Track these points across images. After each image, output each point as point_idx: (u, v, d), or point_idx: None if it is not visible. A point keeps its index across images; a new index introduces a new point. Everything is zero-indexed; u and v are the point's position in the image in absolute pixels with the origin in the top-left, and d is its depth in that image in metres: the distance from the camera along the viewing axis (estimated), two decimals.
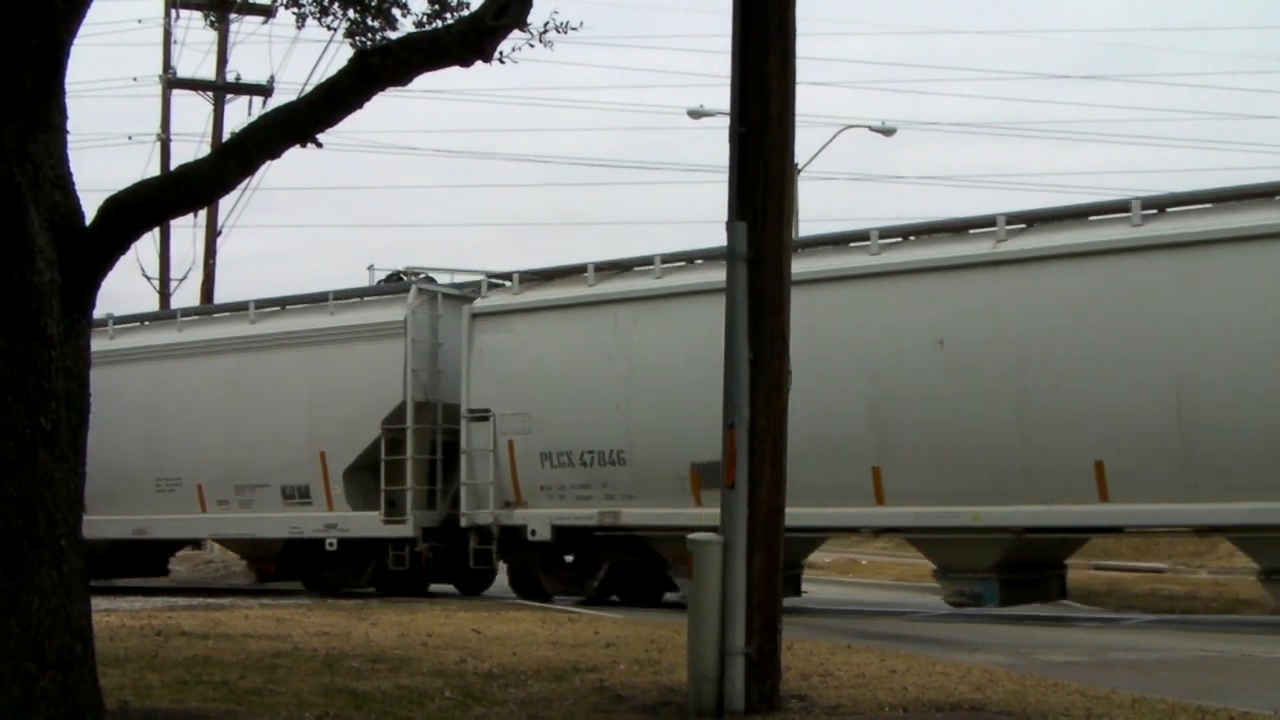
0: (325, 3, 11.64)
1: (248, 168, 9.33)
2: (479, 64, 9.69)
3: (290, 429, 24.87)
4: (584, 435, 21.69)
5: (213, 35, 37.96)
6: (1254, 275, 17.11)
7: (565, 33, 11.20)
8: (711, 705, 10.08)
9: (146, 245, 39.23)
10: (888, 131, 40.71)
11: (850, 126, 40.75)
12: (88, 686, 8.38)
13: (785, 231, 10.63)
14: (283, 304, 26.13)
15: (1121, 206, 18.41)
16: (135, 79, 53.79)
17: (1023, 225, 19.10)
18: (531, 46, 10.95)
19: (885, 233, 19.95)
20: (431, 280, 25.54)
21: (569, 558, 22.81)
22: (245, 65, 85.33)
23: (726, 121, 10.71)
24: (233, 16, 35.90)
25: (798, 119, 10.73)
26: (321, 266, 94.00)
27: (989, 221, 19.13)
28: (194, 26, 44.71)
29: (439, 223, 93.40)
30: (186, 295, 40.14)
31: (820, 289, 19.36)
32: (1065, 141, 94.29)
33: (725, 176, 10.60)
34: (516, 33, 10.18)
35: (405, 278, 26.00)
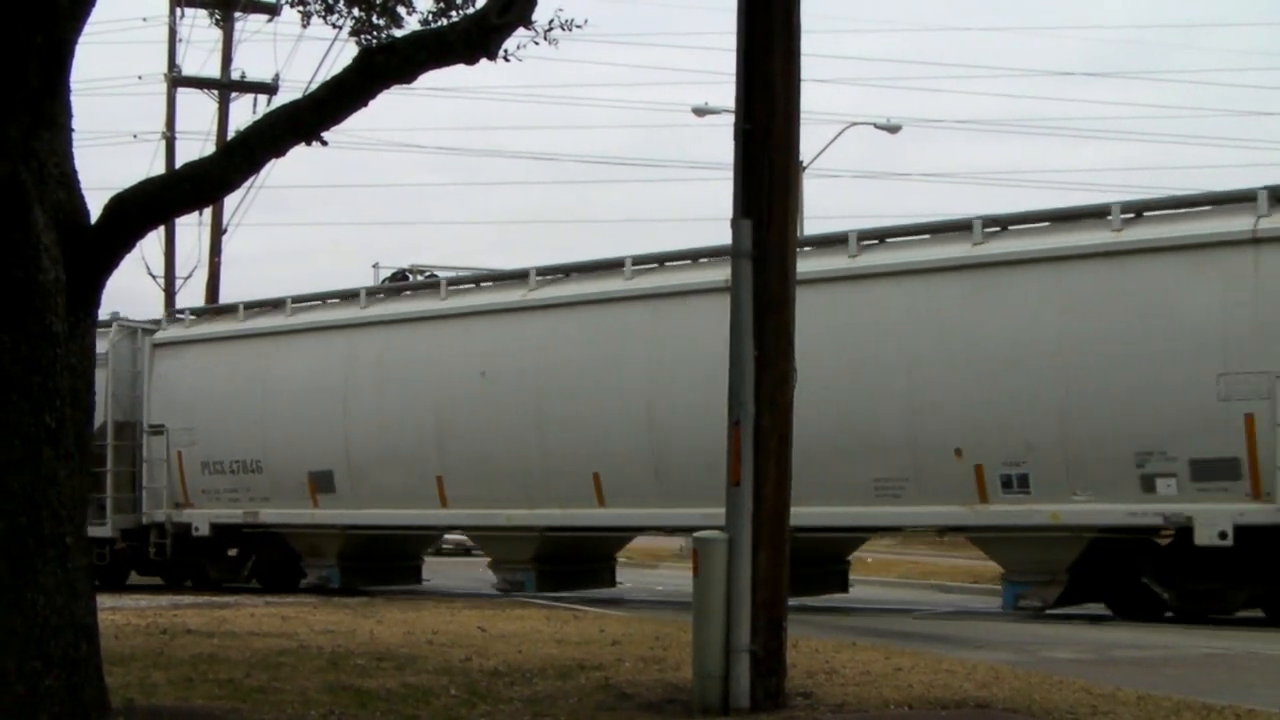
0: (330, 1, 11.64)
1: (253, 165, 9.34)
2: (485, 62, 9.70)
3: None
4: (233, 447, 25.86)
5: (218, 33, 37.93)
6: (703, 321, 19.82)
7: (570, 30, 11.22)
8: (717, 702, 10.08)
9: (151, 243, 39.20)
10: (892, 129, 40.65)
11: (855, 124, 40.72)
12: (93, 684, 8.39)
13: (790, 229, 10.63)
14: None
15: (617, 264, 22.54)
16: (140, 77, 53.92)
17: (561, 275, 23.41)
18: (536, 44, 10.96)
19: (453, 281, 24.77)
20: (434, 275, 25.65)
21: (231, 551, 26.94)
22: (250, 63, 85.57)
23: (732, 119, 10.70)
24: (238, 15, 35.81)
25: (804, 117, 10.73)
26: (328, 265, 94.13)
27: (523, 274, 23.65)
28: (199, 25, 44.79)
29: (447, 220, 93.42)
30: (191, 294, 40.17)
31: (400, 328, 24.33)
32: (1074, 139, 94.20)
33: (731, 174, 10.60)
34: (521, 30, 10.19)
35: (410, 275, 26.05)
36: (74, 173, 8.79)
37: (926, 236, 20.15)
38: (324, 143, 9.42)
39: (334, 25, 11.84)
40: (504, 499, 22.77)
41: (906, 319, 19.46)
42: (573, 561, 23.69)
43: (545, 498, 22.39)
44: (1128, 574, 18.92)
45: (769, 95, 10.43)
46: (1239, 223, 17.61)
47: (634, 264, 22.26)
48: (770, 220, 10.43)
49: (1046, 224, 19.34)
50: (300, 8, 11.86)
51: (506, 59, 10.40)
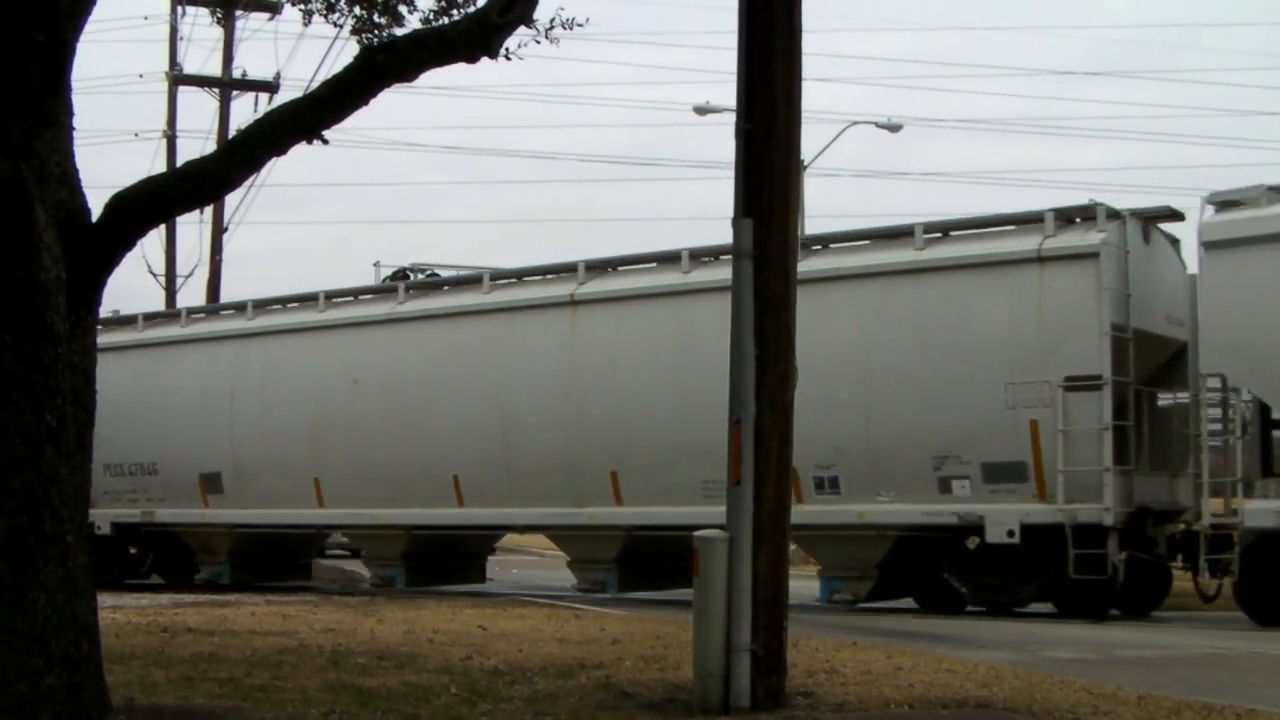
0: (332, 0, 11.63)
1: (254, 164, 9.33)
2: (489, 61, 9.70)
3: None
4: (132, 450, 26.99)
5: (219, 32, 37.93)
6: (552, 333, 22.77)
7: (571, 29, 11.20)
8: (717, 702, 10.07)
9: (152, 242, 39.23)
10: (893, 128, 40.65)
11: (856, 123, 40.72)
12: (94, 683, 8.39)
13: (791, 228, 10.64)
14: None
15: (476, 279, 24.77)
16: (141, 75, 53.91)
17: (429, 289, 25.27)
18: (538, 43, 10.95)
19: (331, 295, 26.17)
20: (434, 274, 25.71)
21: (132, 549, 28.33)
22: (251, 62, 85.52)
23: (733, 118, 10.70)
24: (239, 13, 35.78)
25: (805, 115, 10.73)
26: (332, 263, 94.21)
27: (393, 289, 25.52)
28: (200, 23, 44.77)
29: (450, 219, 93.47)
30: (193, 292, 40.20)
31: (282, 339, 25.93)
32: (1078, 139, 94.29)
33: (732, 173, 10.59)
34: (523, 29, 10.18)
35: (411, 274, 26.04)
36: (75, 171, 8.78)
37: None
38: (325, 141, 9.41)
39: (335, 24, 11.83)
40: (375, 499, 24.36)
41: (727, 331, 19.86)
42: (443, 558, 25.38)
43: (411, 498, 24.05)
44: (931, 570, 20.24)
45: (770, 94, 10.43)
46: (1027, 243, 19.08)
47: (491, 279, 24.39)
48: (771, 219, 10.43)
49: (866, 242, 20.88)
50: (301, 6, 11.85)
51: (508, 58, 10.40)
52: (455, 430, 23.49)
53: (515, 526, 24.82)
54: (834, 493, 20.23)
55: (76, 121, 8.82)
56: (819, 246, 21.10)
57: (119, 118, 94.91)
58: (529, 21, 10.23)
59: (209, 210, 37.40)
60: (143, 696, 10.32)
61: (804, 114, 10.70)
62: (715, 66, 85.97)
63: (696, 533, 10.56)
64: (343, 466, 24.78)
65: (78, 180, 8.78)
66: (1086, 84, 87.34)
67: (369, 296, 25.84)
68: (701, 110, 39.28)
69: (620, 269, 23.16)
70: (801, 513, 18.89)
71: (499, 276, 24.40)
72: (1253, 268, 18.08)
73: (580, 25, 11.28)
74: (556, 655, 13.28)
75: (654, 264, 22.74)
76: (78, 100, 8.82)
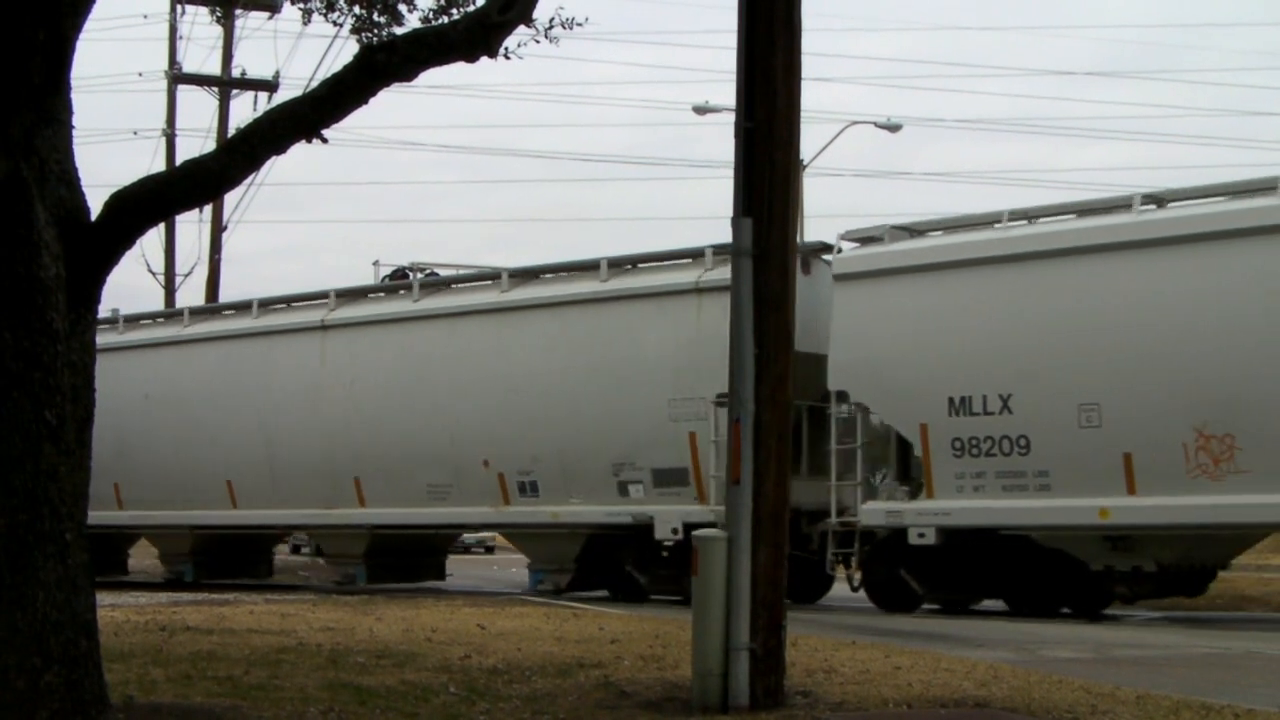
0: None
1: (253, 163, 9.34)
2: (489, 60, 9.70)
3: None
4: None
5: (218, 31, 37.95)
6: (306, 356, 25.58)
7: (570, 28, 11.22)
8: (716, 701, 10.07)
9: (152, 240, 39.27)
10: (893, 128, 40.65)
11: (856, 123, 40.74)
12: (93, 681, 8.39)
13: (790, 227, 10.62)
14: None
15: (247, 305, 27.45)
16: (141, 74, 53.64)
17: (210, 313, 28.65)
18: (537, 42, 10.96)
19: (129, 318, 28.84)
20: (434, 273, 25.71)
21: None
22: (251, 61, 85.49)
23: (733, 117, 10.69)
24: (238, 12, 35.80)
25: (805, 115, 10.72)
26: (335, 262, 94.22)
27: (179, 313, 29.06)
28: (200, 22, 44.79)
29: (453, 218, 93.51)
30: (192, 291, 40.22)
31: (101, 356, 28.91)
32: (1081, 139, 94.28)
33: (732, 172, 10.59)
34: (522, 28, 10.19)
35: (410, 273, 26.04)
36: (75, 170, 8.79)
37: (469, 284, 25.03)
38: (324, 140, 9.42)
39: (335, 23, 11.85)
40: (165, 502, 27.12)
41: (451, 352, 23.83)
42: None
43: (195, 501, 26.68)
44: (617, 563, 22.64)
45: (770, 93, 10.42)
46: (688, 275, 21.74)
47: (260, 305, 27.23)
48: (771, 218, 10.42)
49: (565, 274, 23.76)
50: (301, 5, 11.86)
51: (507, 57, 10.41)
52: (228, 440, 26.29)
53: (279, 526, 27.81)
54: (534, 496, 22.91)
55: (76, 120, 8.84)
56: (520, 279, 23.93)
57: (118, 116, 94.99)
58: (528, 20, 10.24)
59: (208, 209, 37.45)
60: (141, 694, 10.31)
61: (804, 114, 10.70)
62: (716, 66, 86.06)
63: (696, 532, 10.55)
64: (142, 471, 27.11)
65: (77, 178, 8.80)
66: (1087, 84, 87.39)
67: (160, 320, 29.31)
68: (701, 110, 39.27)
69: (370, 296, 26.14)
70: (506, 513, 23.38)
71: (267, 303, 27.36)
72: (872, 297, 20.37)
73: (580, 24, 11.30)
74: (555, 654, 13.28)
75: (388, 293, 25.90)
76: (77, 99, 8.83)
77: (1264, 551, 28.14)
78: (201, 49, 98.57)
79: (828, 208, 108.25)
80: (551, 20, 11.01)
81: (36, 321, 8.22)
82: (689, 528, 19.88)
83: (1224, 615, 19.46)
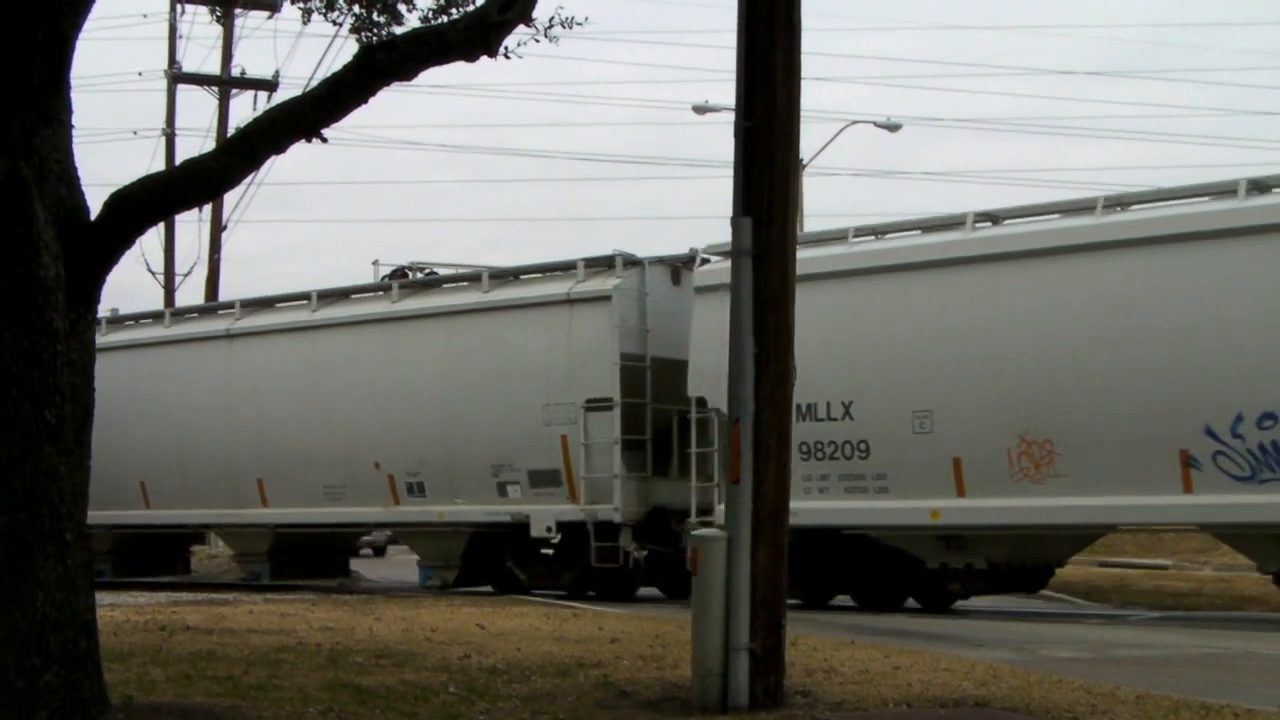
0: None
1: (253, 162, 9.34)
2: (493, 60, 9.71)
3: None
4: None
5: (218, 30, 37.95)
6: (214, 363, 26.78)
7: (570, 28, 11.22)
8: (716, 701, 10.06)
9: (151, 240, 39.27)
10: (892, 127, 40.63)
11: (855, 122, 40.72)
12: (92, 681, 8.39)
13: (790, 227, 10.62)
14: None
15: (159, 314, 28.92)
16: (140, 74, 53.73)
17: (130, 322, 29.19)
18: (537, 41, 10.97)
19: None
20: (433, 273, 25.75)
21: None
22: (250, 60, 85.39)
23: (733, 117, 10.69)
24: (238, 11, 35.82)
25: (806, 115, 10.72)
26: (333, 261, 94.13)
27: (158, 315, 29.25)
28: (199, 21, 44.77)
29: (453, 217, 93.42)
30: (191, 290, 40.22)
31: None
32: (1082, 138, 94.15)
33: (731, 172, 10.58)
34: (522, 27, 10.19)
35: (410, 273, 26.05)
36: (74, 169, 8.79)
37: (364, 295, 26.07)
38: (324, 139, 9.41)
39: (334, 22, 11.85)
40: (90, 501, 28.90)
41: (343, 360, 25.00)
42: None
43: (111, 502, 26.14)
44: (499, 560, 23.81)
45: (770, 93, 10.42)
46: (561, 287, 22.82)
47: (172, 314, 29.09)
48: (771, 218, 10.42)
49: (451, 285, 24.95)
50: (301, 5, 11.85)
51: (507, 56, 10.41)
52: (144, 444, 27.04)
53: (190, 525, 28.41)
54: (421, 496, 24.10)
55: (76, 119, 8.84)
56: (409, 290, 25.14)
57: (118, 116, 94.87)
58: (528, 20, 10.24)
59: (208, 208, 37.46)
60: (141, 694, 10.31)
61: (805, 113, 10.69)
62: (717, 66, 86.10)
63: (694, 531, 10.55)
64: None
65: (77, 178, 8.79)
66: (1088, 84, 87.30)
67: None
68: (700, 109, 39.24)
69: (277, 306, 27.24)
70: (396, 513, 24.70)
71: (180, 313, 29.09)
72: (726, 308, 19.90)
73: (579, 24, 11.31)
74: (555, 654, 13.28)
75: (290, 303, 26.93)
76: (77, 98, 8.83)
77: None
78: (201, 48, 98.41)
79: (827, 207, 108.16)
80: (551, 20, 11.02)
81: (36, 321, 8.22)
82: (562, 526, 22.27)
83: (1223, 615, 19.47)
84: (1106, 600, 23.79)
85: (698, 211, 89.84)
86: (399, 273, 26.35)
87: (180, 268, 39.71)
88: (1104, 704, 10.20)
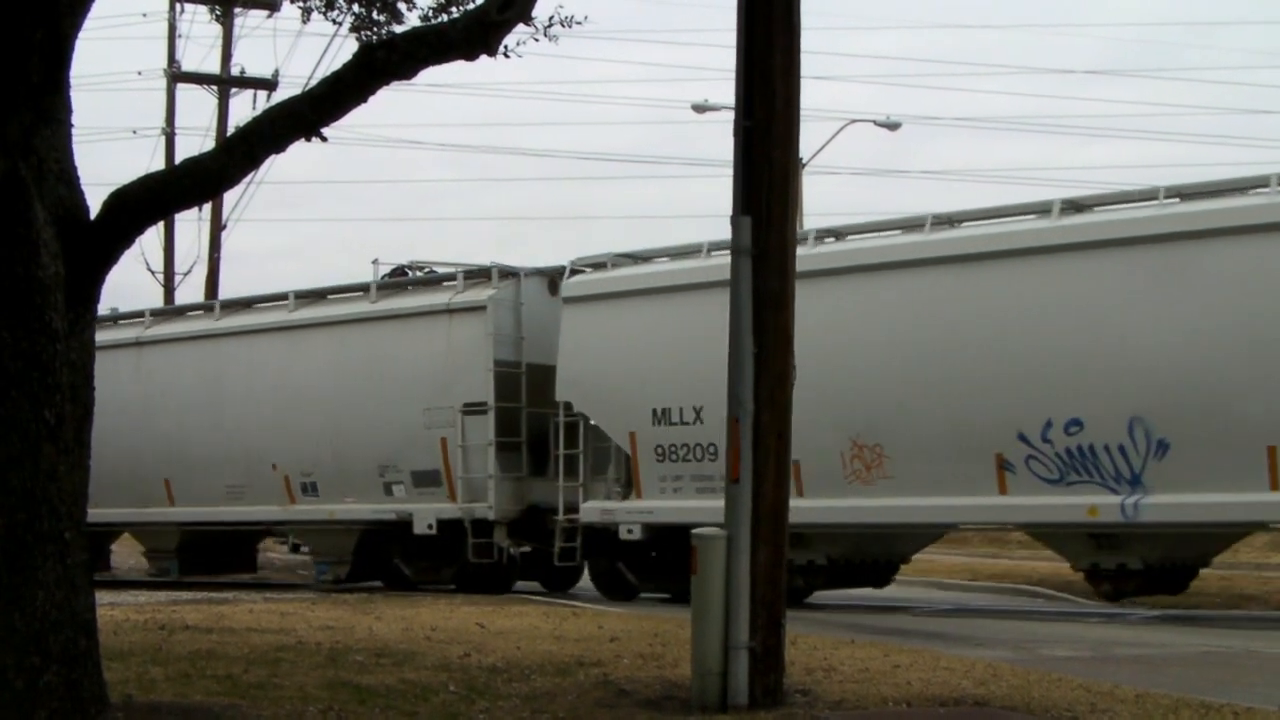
0: None
1: (252, 161, 9.33)
2: (496, 59, 9.71)
3: None
4: None
5: (217, 29, 37.89)
6: (126, 369, 27.17)
7: (570, 27, 11.22)
8: (715, 700, 10.07)
9: (151, 239, 39.20)
10: (892, 126, 40.60)
11: (855, 121, 40.70)
12: (92, 680, 8.40)
13: (789, 226, 10.62)
14: None
15: (137, 315, 28.65)
16: (140, 73, 53.87)
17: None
18: (536, 41, 10.96)
19: None
20: (433, 271, 25.77)
21: None
22: (250, 59, 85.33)
23: (733, 115, 10.68)
24: (237, 10, 35.79)
25: (806, 114, 10.71)
26: (336, 260, 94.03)
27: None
28: (199, 20, 44.76)
29: (454, 217, 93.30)
30: (191, 289, 40.20)
31: None
32: (1082, 137, 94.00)
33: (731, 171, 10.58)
34: (521, 27, 10.18)
35: (410, 272, 26.06)
36: (74, 168, 8.79)
37: (263, 305, 27.15)
38: (324, 139, 9.42)
39: (334, 21, 11.84)
40: None
41: (245, 366, 26.13)
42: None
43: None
44: (387, 556, 24.92)
45: (769, 91, 10.41)
46: (442, 298, 24.02)
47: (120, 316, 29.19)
48: (770, 217, 10.42)
49: (344, 295, 25.95)
50: (300, 4, 11.85)
51: (507, 55, 10.40)
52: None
53: (101, 524, 29.15)
54: (315, 496, 25.21)
55: (75, 119, 8.83)
56: (307, 299, 26.19)
57: (117, 115, 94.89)
58: (528, 19, 10.24)
59: (207, 207, 37.44)
60: (141, 694, 10.31)
61: (805, 112, 10.69)
62: (719, 65, 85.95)
63: (695, 530, 10.55)
64: None
65: (76, 177, 8.79)
66: (1089, 83, 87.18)
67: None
68: (700, 108, 39.19)
69: (186, 315, 28.52)
70: (292, 511, 25.74)
71: (98, 320, 28.65)
72: (591, 318, 22.46)
73: (579, 23, 11.30)
74: (554, 653, 13.28)
75: (196, 312, 28.24)
76: (76, 97, 8.83)
77: (1263, 549, 28.15)
78: (200, 47, 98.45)
79: (827, 206, 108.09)
80: (551, 19, 11.02)
81: (35, 321, 8.22)
82: (442, 524, 23.44)
83: (1223, 613, 19.46)
84: (1106, 599, 23.75)
85: (698, 211, 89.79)
86: (398, 271, 26.34)
87: (180, 266, 39.69)
88: (1103, 702, 10.21)
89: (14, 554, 8.12)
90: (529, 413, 23.21)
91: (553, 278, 23.48)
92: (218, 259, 38.49)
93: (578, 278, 22.93)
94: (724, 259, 21.19)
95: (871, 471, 19.60)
